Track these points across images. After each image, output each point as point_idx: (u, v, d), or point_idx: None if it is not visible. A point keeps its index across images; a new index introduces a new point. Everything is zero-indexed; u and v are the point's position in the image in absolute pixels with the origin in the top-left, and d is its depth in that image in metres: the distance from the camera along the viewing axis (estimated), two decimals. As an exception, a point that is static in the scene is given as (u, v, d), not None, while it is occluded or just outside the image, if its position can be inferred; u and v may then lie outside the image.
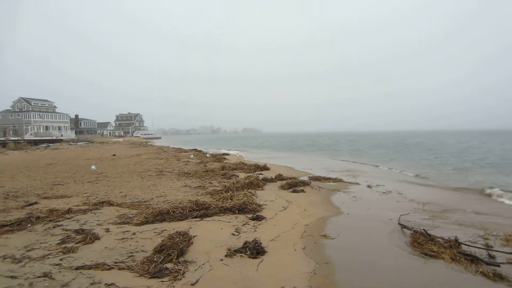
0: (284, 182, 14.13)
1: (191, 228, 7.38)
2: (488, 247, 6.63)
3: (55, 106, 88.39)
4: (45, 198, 11.10)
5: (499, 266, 5.71)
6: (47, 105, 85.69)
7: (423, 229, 7.27)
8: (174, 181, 14.93)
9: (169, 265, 5.38)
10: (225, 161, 25.30)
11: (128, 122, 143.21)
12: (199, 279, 5.02)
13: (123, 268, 5.30)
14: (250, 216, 8.60)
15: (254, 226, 7.86)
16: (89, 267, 5.31)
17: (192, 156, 29.65)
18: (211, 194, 11.37)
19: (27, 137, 63.62)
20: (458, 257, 6.05)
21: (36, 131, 75.17)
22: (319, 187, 13.73)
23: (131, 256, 5.83)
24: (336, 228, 8.16)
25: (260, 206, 9.62)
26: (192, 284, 4.86)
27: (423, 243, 6.77)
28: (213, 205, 8.93)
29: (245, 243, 6.37)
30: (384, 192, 13.14)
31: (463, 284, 5.21)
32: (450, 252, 6.25)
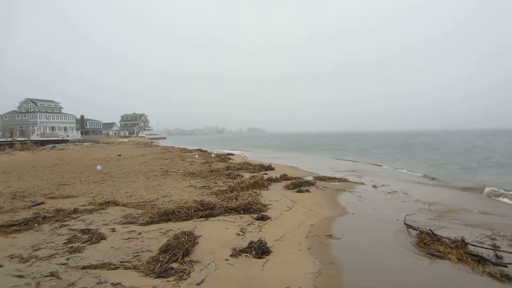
0: (289, 182, 14.12)
1: (196, 228, 7.40)
2: (495, 247, 6.58)
3: (61, 107, 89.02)
4: (52, 198, 11.17)
5: (506, 266, 5.66)
6: (53, 106, 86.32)
7: (429, 229, 7.23)
8: (179, 181, 14.97)
9: (174, 265, 5.39)
10: (230, 161, 25.32)
11: (133, 123, 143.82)
12: (204, 279, 5.02)
13: (129, 268, 5.32)
14: (255, 216, 8.60)
15: (259, 226, 7.87)
16: (95, 267, 5.34)
17: (197, 156, 29.71)
18: (216, 194, 11.39)
19: (34, 137, 64.07)
20: (464, 258, 6.00)
21: (42, 131, 75.75)
22: (324, 187, 13.71)
23: (137, 256, 5.85)
24: (341, 228, 8.14)
25: (265, 206, 9.62)
26: (198, 284, 4.87)
27: (429, 243, 6.73)
28: (218, 205, 8.94)
29: (250, 243, 6.37)
30: (390, 192, 13.09)
31: (470, 285, 5.18)
32: (457, 252, 6.21)
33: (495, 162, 26.28)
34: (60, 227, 7.62)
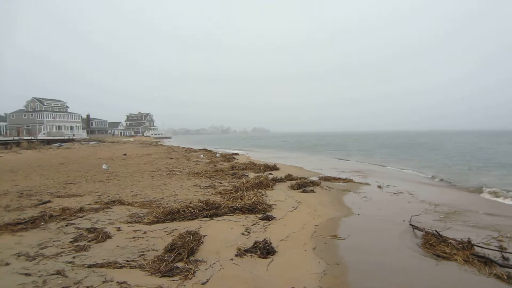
0: (294, 182, 14.10)
1: (201, 227, 7.42)
2: (502, 249, 6.52)
3: (67, 106, 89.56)
4: (58, 196, 11.25)
5: (513, 268, 5.63)
6: (59, 105, 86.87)
7: (435, 230, 7.19)
8: (184, 180, 15.01)
9: (179, 264, 5.41)
10: (235, 161, 25.34)
11: (138, 122, 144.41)
12: (209, 278, 5.04)
13: (135, 267, 5.35)
14: (260, 216, 8.60)
15: (264, 226, 7.87)
16: (101, 265, 5.36)
17: (202, 156, 29.78)
18: (221, 193, 11.41)
19: (40, 136, 64.52)
20: (471, 259, 5.96)
21: (48, 130, 76.27)
22: (329, 187, 13.67)
23: (142, 255, 5.88)
24: (346, 228, 8.12)
25: (270, 206, 9.62)
26: (203, 283, 4.88)
27: (435, 244, 6.69)
28: (223, 205, 8.95)
29: (255, 243, 6.37)
30: (395, 193, 13.03)
31: (476, 286, 5.15)
32: (463, 253, 6.17)
33: (499, 163, 26.07)
34: (66, 225, 7.67)
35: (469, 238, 6.67)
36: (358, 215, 9.55)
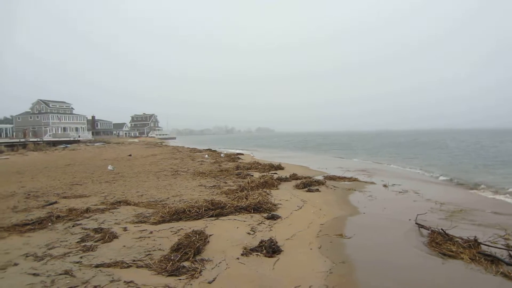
0: (299, 181, 14.11)
1: (207, 227, 7.45)
2: (508, 247, 6.47)
3: (72, 108, 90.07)
4: (65, 197, 11.34)
5: (520, 266, 5.60)
6: (64, 107, 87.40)
7: (441, 229, 7.16)
8: (190, 180, 15.06)
9: (186, 264, 5.44)
10: (239, 160, 25.38)
11: (143, 123, 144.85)
12: (216, 277, 5.07)
13: (141, 266, 5.39)
14: (265, 215, 8.62)
15: (269, 225, 7.89)
16: (108, 265, 5.41)
17: (206, 156, 29.84)
18: (226, 193, 11.44)
19: (46, 138, 64.95)
20: (477, 258, 5.94)
21: (54, 132, 76.78)
22: (334, 187, 13.66)
23: (149, 254, 5.92)
24: (352, 227, 8.12)
25: (275, 205, 9.63)
26: (209, 282, 4.91)
27: (441, 243, 6.67)
28: (229, 205, 8.98)
29: (261, 242, 6.40)
30: (401, 192, 12.99)
31: (483, 285, 5.13)
32: (469, 252, 6.15)
33: (504, 161, 25.83)
34: (73, 226, 7.73)
35: (475, 237, 6.64)
36: (363, 214, 9.54)
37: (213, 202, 8.94)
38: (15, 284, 4.77)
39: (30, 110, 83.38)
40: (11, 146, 44.23)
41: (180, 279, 4.96)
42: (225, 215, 8.45)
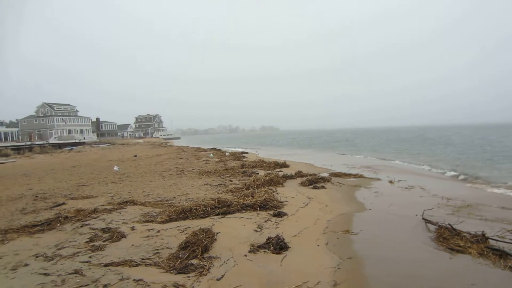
0: (304, 178, 14.12)
1: (213, 225, 7.48)
2: (517, 241, 6.47)
3: (76, 110, 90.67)
4: (72, 199, 11.43)
5: (529, 260, 5.58)
6: (69, 109, 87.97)
7: (449, 224, 7.15)
8: (195, 179, 15.11)
9: (194, 261, 5.48)
10: (244, 159, 25.42)
11: (147, 124, 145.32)
12: (224, 274, 5.10)
13: (150, 265, 5.43)
14: (271, 212, 8.65)
15: (276, 222, 7.91)
16: (117, 264, 5.46)
17: (211, 155, 29.91)
18: (232, 191, 11.48)
19: (52, 141, 65.37)
20: (485, 252, 5.93)
21: (59, 134, 77.29)
22: (340, 183, 13.64)
23: (157, 253, 5.96)
24: (358, 223, 8.11)
25: (281, 202, 9.65)
26: (218, 279, 4.94)
27: (448, 238, 6.66)
28: (235, 203, 9.00)
29: (268, 239, 6.42)
30: (407, 188, 12.95)
31: (491, 279, 5.12)
32: (477, 247, 6.13)
33: (511, 156, 25.65)
34: (81, 226, 7.80)
35: (483, 231, 6.62)
36: (370, 210, 9.53)
37: (219, 200, 8.97)
38: (27, 284, 4.83)
39: (35, 113, 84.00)
40: (18, 149, 44.55)
41: (188, 277, 4.99)
42: (232, 213, 8.48)
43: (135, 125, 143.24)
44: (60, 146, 56.85)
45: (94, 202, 10.70)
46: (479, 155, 27.67)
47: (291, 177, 14.85)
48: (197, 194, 11.35)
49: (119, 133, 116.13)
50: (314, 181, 13.40)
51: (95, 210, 9.17)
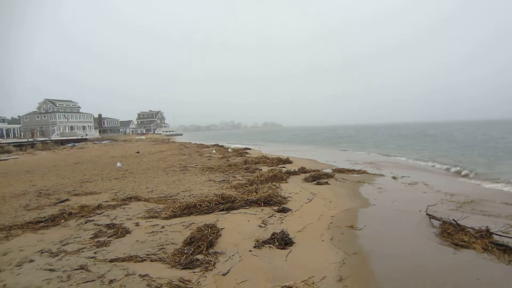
0: (307, 174, 14.11)
1: (218, 220, 7.49)
2: (521, 237, 6.45)
3: (79, 107, 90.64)
4: (75, 195, 11.45)
5: (533, 256, 5.56)
6: (71, 106, 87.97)
7: (453, 219, 7.13)
8: (198, 175, 15.12)
9: (199, 257, 5.48)
10: (247, 155, 25.41)
11: (149, 120, 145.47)
12: (230, 270, 5.11)
13: (155, 260, 5.44)
14: (275, 208, 8.65)
15: (280, 218, 7.91)
16: (123, 260, 5.48)
17: (214, 151, 29.91)
18: (235, 187, 11.48)
19: (54, 137, 65.53)
20: (490, 247, 5.92)
21: (62, 131, 77.39)
22: (343, 179, 13.63)
23: (162, 248, 5.97)
24: (362, 219, 8.10)
25: (285, 198, 9.65)
26: (224, 275, 4.95)
27: (453, 233, 6.65)
28: (239, 198, 9.01)
29: (273, 234, 6.43)
30: (410, 183, 12.92)
31: (496, 273, 5.11)
32: (482, 242, 6.12)
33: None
34: (85, 222, 7.82)
35: (487, 227, 6.60)
36: (373, 205, 9.51)
37: (223, 196, 8.98)
38: (32, 280, 4.84)
39: (37, 110, 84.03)
40: (20, 146, 44.67)
41: (194, 272, 5.00)
42: (236, 209, 8.49)
43: (137, 122, 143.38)
44: (62, 142, 56.97)
45: (97, 198, 10.72)
46: (482, 151, 27.61)
47: (294, 173, 14.84)
48: (201, 190, 11.36)
49: (121, 130, 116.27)
50: (317, 177, 13.40)
51: (99, 206, 9.18)
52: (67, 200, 10.56)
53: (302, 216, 8.11)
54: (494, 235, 6.39)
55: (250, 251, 5.88)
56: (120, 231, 6.87)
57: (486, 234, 6.38)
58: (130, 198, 10.28)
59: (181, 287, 4.53)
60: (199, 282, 4.73)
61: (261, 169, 16.04)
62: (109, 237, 6.68)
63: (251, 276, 4.95)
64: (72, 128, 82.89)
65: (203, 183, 12.90)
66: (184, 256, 5.43)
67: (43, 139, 57.63)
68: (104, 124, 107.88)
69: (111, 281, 4.71)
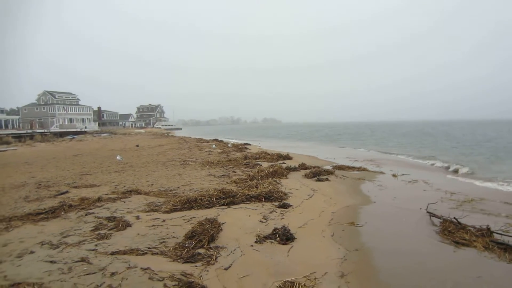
0: (308, 171, 14.10)
1: (219, 215, 7.48)
2: (521, 236, 6.46)
3: (78, 99, 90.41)
4: (75, 187, 11.43)
5: (534, 255, 5.57)
6: (70, 98, 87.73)
7: (454, 218, 7.13)
8: (198, 170, 15.10)
9: (201, 251, 5.48)
10: (247, 150, 25.40)
11: (149, 114, 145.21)
12: (231, 264, 5.10)
13: (157, 254, 5.43)
14: (276, 204, 8.65)
15: (281, 213, 7.91)
16: (124, 252, 5.46)
17: (214, 146, 29.89)
18: (236, 182, 11.46)
19: (53, 129, 65.35)
20: (490, 246, 5.94)
21: (61, 123, 77.21)
22: (344, 176, 13.62)
23: (163, 242, 5.96)
24: (363, 216, 8.11)
25: (285, 194, 9.65)
26: (226, 269, 4.94)
27: (453, 231, 6.66)
28: (240, 193, 9.00)
29: (275, 229, 6.43)
30: (410, 181, 12.92)
31: (497, 272, 5.13)
32: (482, 240, 6.14)
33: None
34: (86, 215, 7.80)
35: (488, 225, 6.62)
36: (374, 203, 9.52)
37: (224, 191, 8.97)
38: (33, 271, 4.82)
39: (36, 101, 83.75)
40: (19, 137, 44.59)
41: (196, 266, 4.99)
42: (237, 204, 8.48)
43: (137, 115, 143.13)
44: (61, 134, 56.92)
45: (97, 191, 10.69)
46: (482, 150, 27.63)
47: (294, 169, 14.83)
48: (201, 185, 11.34)
49: (120, 123, 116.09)
50: (317, 173, 13.39)
51: (99, 199, 9.15)
52: (67, 192, 10.53)
53: (303, 212, 8.11)
54: (494, 234, 6.40)
55: (252, 246, 5.88)
56: (121, 224, 6.85)
57: (486, 232, 6.40)
58: (130, 191, 10.26)
59: (183, 280, 4.51)
60: (201, 276, 4.72)
61: (261, 165, 16.03)
62: (109, 230, 6.66)
63: (253, 271, 4.94)
64: (71, 120, 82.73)
65: (203, 178, 12.88)
66: (186, 250, 5.42)
67: (42, 130, 57.52)
68: (103, 117, 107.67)
69: (112, 274, 4.69)
